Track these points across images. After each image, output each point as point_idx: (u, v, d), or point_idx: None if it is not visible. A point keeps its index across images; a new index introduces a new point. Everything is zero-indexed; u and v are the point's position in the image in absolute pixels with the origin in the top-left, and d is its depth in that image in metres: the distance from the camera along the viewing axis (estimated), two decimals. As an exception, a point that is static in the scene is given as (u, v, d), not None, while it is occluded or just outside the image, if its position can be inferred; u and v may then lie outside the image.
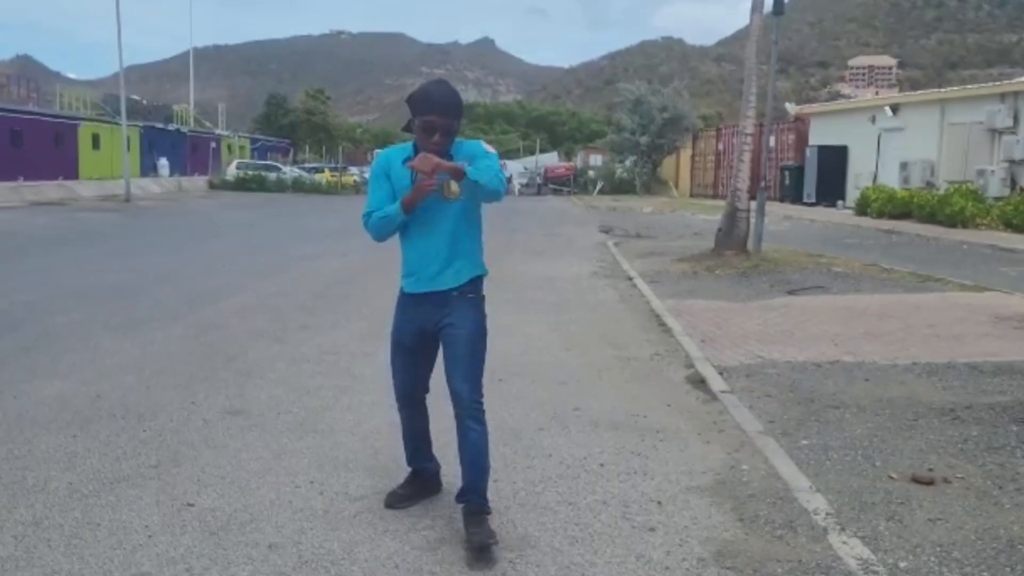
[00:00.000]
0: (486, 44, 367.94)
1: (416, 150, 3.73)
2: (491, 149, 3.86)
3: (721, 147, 43.19)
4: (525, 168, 55.81)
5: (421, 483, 4.21)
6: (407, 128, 3.76)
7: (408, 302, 3.93)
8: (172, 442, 4.99)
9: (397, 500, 4.12)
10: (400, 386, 4.06)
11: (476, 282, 3.89)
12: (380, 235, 3.86)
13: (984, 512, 4.09)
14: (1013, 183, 23.98)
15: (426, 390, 4.11)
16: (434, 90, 3.69)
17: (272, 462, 4.69)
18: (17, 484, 4.30)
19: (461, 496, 3.82)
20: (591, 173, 52.93)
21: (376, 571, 3.47)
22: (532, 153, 61.49)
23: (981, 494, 4.31)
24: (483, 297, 3.93)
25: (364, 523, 3.93)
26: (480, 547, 3.55)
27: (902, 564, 3.56)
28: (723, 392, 6.22)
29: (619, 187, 48.76)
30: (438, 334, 3.85)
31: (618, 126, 50.52)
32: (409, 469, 4.26)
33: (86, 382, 6.33)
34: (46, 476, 4.41)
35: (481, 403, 3.79)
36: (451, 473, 4.19)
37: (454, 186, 3.66)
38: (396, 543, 3.73)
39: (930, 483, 4.44)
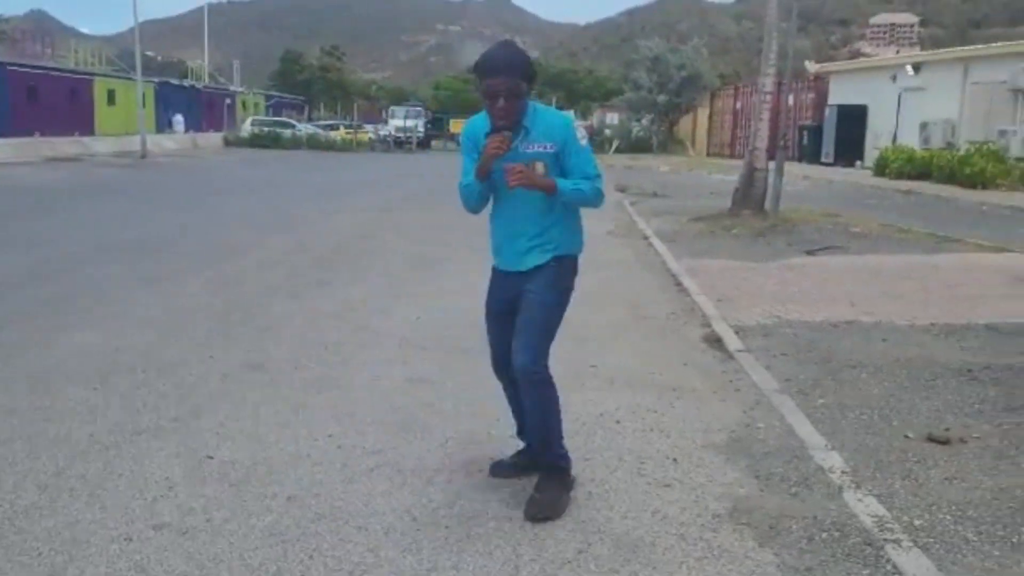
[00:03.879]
0: (502, 0, 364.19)
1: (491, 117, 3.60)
2: (584, 134, 3.68)
3: (739, 106, 42.76)
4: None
5: (529, 458, 3.96)
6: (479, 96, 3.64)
7: (498, 276, 3.88)
8: (192, 396, 5.03)
9: (500, 470, 4.01)
10: (495, 356, 3.96)
11: (562, 258, 3.75)
12: (468, 204, 3.77)
13: (1000, 472, 4.09)
14: (1035, 144, 23.68)
15: None
16: (494, 52, 3.56)
17: (290, 416, 4.73)
18: (40, 435, 4.35)
19: (536, 459, 3.86)
20: (608, 132, 52.55)
21: (394, 524, 3.50)
22: (548, 111, 60.98)
23: (997, 454, 4.31)
24: (573, 270, 3.81)
25: (382, 476, 3.97)
26: (529, 517, 3.56)
27: (917, 522, 3.57)
28: (739, 351, 6.21)
29: (636, 146, 48.40)
30: (517, 303, 3.78)
31: (635, 84, 50.07)
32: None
33: (107, 335, 6.38)
34: (68, 427, 4.47)
35: (538, 371, 3.66)
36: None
37: (540, 167, 3.56)
38: (414, 497, 3.76)
39: (946, 443, 4.44)
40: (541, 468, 3.78)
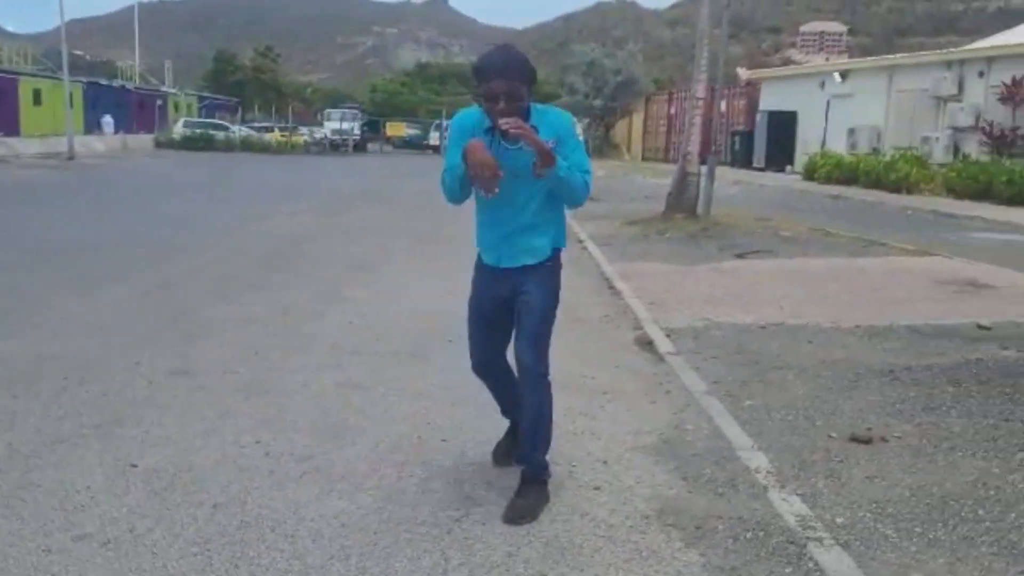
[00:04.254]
0: (439, 4, 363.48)
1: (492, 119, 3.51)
2: (580, 131, 3.69)
3: (673, 111, 43.28)
4: (478, 130, 55.38)
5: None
6: (478, 100, 3.58)
7: (486, 273, 3.83)
8: (116, 402, 4.93)
9: (502, 455, 4.13)
10: (479, 356, 3.96)
11: (554, 254, 3.80)
12: (451, 191, 3.63)
13: (919, 470, 4.20)
14: (956, 150, 24.38)
15: (505, 357, 3.98)
16: (493, 55, 3.52)
17: (217, 422, 4.66)
18: (-45, 445, 4.22)
19: (518, 461, 3.86)
20: (544, 136, 52.69)
21: (322, 530, 3.47)
22: (485, 115, 60.98)
23: (917, 452, 4.42)
24: (560, 266, 3.84)
25: (310, 483, 3.93)
26: (508, 520, 3.59)
27: (839, 520, 3.65)
28: (670, 354, 6.29)
29: (572, 150, 48.62)
30: (514, 301, 3.76)
31: (571, 88, 50.32)
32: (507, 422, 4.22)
33: (29, 341, 6.22)
34: (-15, 437, 4.34)
35: (545, 374, 3.71)
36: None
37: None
38: (343, 502, 3.73)
39: (868, 442, 4.54)
40: (524, 475, 3.78)
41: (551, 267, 3.78)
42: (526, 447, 3.79)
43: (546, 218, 3.73)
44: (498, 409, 4.20)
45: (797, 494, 3.89)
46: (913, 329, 7.07)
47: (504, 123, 3.37)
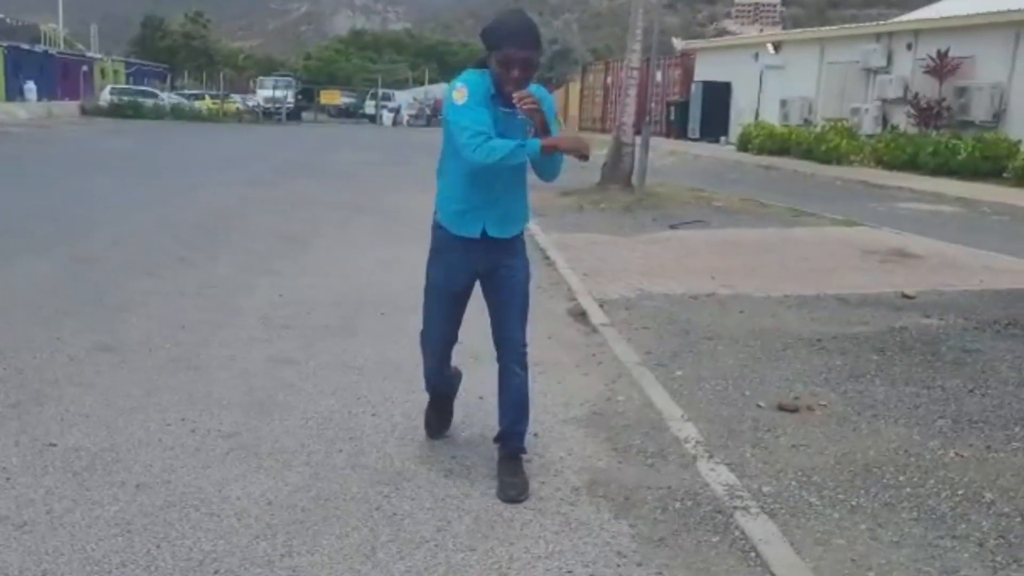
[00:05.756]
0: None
1: (495, 83, 3.44)
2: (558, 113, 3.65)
3: (610, 81, 43.29)
4: (414, 99, 55.00)
5: (448, 403, 4.23)
6: (480, 64, 3.51)
7: (458, 244, 3.65)
8: (34, 380, 4.78)
9: (435, 429, 4.16)
10: (440, 338, 3.88)
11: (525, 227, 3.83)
12: (493, 161, 3.36)
13: (843, 438, 4.28)
14: (885, 121, 24.83)
15: (457, 338, 3.95)
16: (510, 21, 3.45)
17: (142, 399, 4.55)
18: None
19: (500, 438, 3.78)
20: (481, 105, 52.45)
21: (248, 509, 3.41)
22: (422, 84, 60.59)
23: (842, 420, 4.51)
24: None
25: (237, 460, 3.86)
26: (510, 501, 3.55)
27: (765, 489, 3.71)
28: (603, 325, 6.31)
29: (508, 120, 48.51)
30: (492, 275, 3.69)
31: (508, 58, 50.11)
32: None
33: (-59, 318, 6.00)
34: None
35: (527, 349, 3.73)
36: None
37: (531, 134, 3.48)
38: (270, 480, 3.68)
39: (795, 411, 4.62)
40: (507, 452, 3.74)
41: (524, 243, 3.79)
42: (514, 423, 3.73)
43: (523, 189, 3.71)
44: (422, 385, 4.14)
45: (725, 464, 3.94)
46: (840, 298, 7.20)
47: (520, 99, 3.32)
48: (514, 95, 3.33)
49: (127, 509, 3.37)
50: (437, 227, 3.73)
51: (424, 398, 4.23)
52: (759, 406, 4.70)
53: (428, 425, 4.20)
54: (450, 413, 4.26)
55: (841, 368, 5.34)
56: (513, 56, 3.36)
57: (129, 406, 4.46)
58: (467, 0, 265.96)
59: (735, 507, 3.51)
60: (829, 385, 5.05)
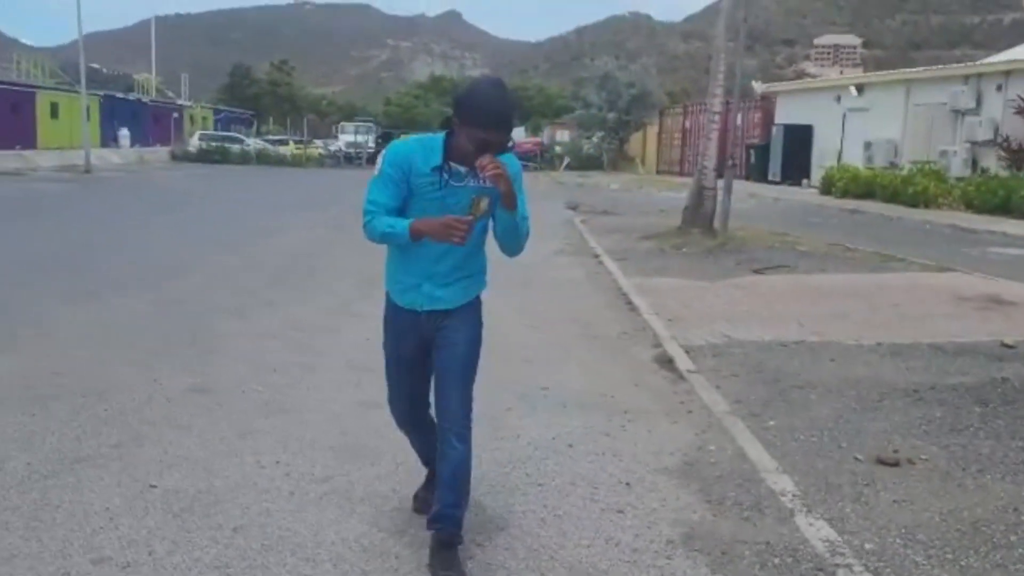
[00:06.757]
0: (453, 17, 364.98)
1: (447, 148, 3.22)
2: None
3: (687, 124, 43.21)
4: (492, 143, 55.48)
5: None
6: (445, 126, 3.24)
7: (405, 315, 3.45)
8: (134, 421, 4.90)
9: (424, 505, 3.68)
10: (405, 407, 3.63)
11: (479, 296, 3.56)
12: (376, 241, 3.36)
13: (948, 494, 4.12)
14: (975, 164, 24.24)
15: (428, 404, 3.60)
16: (493, 98, 3.15)
17: (237, 442, 4.62)
18: (-26, 464, 4.20)
19: (433, 523, 3.38)
20: (558, 149, 52.75)
21: (343, 554, 3.43)
22: (499, 128, 61.03)
23: (945, 475, 4.35)
24: (481, 303, 3.56)
25: (331, 504, 3.89)
26: None
27: (868, 546, 3.59)
28: (690, 372, 6.23)
29: (586, 163, 48.63)
30: (431, 344, 3.46)
31: (585, 102, 50.38)
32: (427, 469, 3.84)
33: (44, 358, 6.20)
34: (3, 456, 4.31)
35: (470, 421, 3.41)
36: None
37: (484, 204, 3.28)
38: (363, 526, 3.69)
39: (895, 464, 4.47)
40: (442, 539, 3.37)
41: (477, 307, 3.52)
42: (451, 505, 3.35)
43: (477, 261, 3.47)
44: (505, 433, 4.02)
45: (824, 518, 3.83)
46: (936, 347, 6.99)
47: (483, 166, 3.08)
48: (477, 161, 3.09)
49: (225, 552, 3.41)
50: (387, 293, 3.54)
51: (509, 444, 4.20)
52: (857, 459, 4.56)
53: (416, 499, 3.86)
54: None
55: (941, 420, 5.16)
56: (490, 141, 3.10)
57: (225, 448, 4.54)
58: (541, 45, 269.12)
59: (837, 564, 3.41)
60: (929, 438, 4.88)
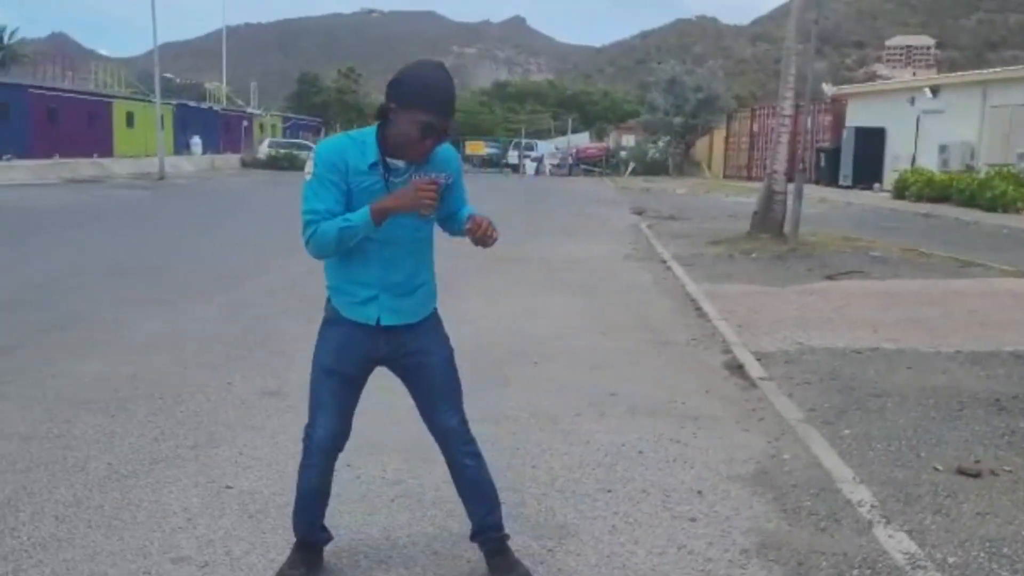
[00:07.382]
0: (517, 22, 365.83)
1: (380, 141, 2.97)
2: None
3: (756, 128, 42.70)
4: (556, 148, 55.57)
5: (316, 557, 3.33)
6: (381, 115, 2.95)
7: (355, 331, 3.12)
8: (209, 423, 5.00)
9: None
10: (334, 428, 3.24)
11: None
12: (329, 251, 3.02)
13: (1034, 507, 3.99)
14: (1055, 167, 23.52)
15: (349, 433, 3.34)
16: (434, 80, 2.89)
17: (309, 444, 4.66)
18: (57, 464, 4.32)
19: (476, 536, 3.31)
20: (623, 154, 52.55)
21: (415, 557, 3.45)
22: (564, 133, 61.14)
23: (1030, 488, 4.21)
24: (440, 319, 3.31)
25: (402, 508, 3.92)
26: None
27: (951, 559, 3.49)
28: (761, 379, 6.13)
29: (651, 168, 48.38)
30: (398, 363, 3.22)
31: (651, 106, 50.22)
32: (294, 541, 3.34)
33: (122, 361, 6.36)
34: (86, 456, 4.43)
35: (472, 436, 3.29)
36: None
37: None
38: (434, 529, 3.71)
39: (977, 475, 4.35)
40: (491, 548, 3.29)
41: (439, 323, 3.29)
42: (486, 514, 3.27)
43: (429, 262, 3.22)
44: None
45: (904, 530, 3.73)
46: (1018, 356, 6.78)
47: (419, 189, 2.88)
48: (412, 181, 2.92)
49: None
50: (329, 305, 3.22)
51: (579, 448, 4.18)
52: (936, 469, 4.44)
53: None
54: (314, 570, 3.29)
55: (1025, 431, 5.01)
56: (433, 125, 2.86)
57: (297, 451, 4.52)
58: (606, 49, 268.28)
59: (919, 578, 3.31)
60: (1013, 449, 4.73)
